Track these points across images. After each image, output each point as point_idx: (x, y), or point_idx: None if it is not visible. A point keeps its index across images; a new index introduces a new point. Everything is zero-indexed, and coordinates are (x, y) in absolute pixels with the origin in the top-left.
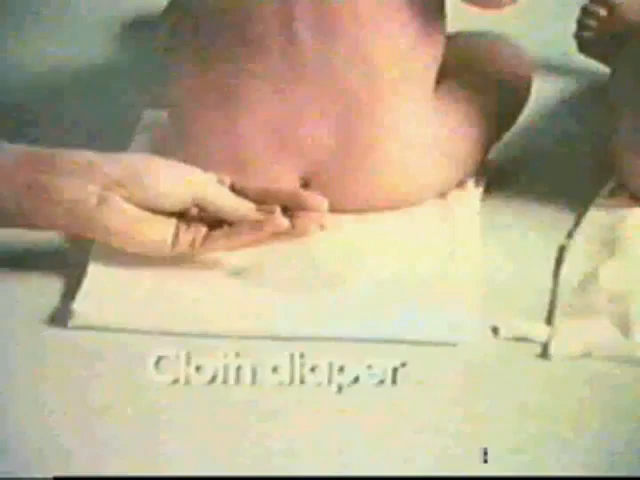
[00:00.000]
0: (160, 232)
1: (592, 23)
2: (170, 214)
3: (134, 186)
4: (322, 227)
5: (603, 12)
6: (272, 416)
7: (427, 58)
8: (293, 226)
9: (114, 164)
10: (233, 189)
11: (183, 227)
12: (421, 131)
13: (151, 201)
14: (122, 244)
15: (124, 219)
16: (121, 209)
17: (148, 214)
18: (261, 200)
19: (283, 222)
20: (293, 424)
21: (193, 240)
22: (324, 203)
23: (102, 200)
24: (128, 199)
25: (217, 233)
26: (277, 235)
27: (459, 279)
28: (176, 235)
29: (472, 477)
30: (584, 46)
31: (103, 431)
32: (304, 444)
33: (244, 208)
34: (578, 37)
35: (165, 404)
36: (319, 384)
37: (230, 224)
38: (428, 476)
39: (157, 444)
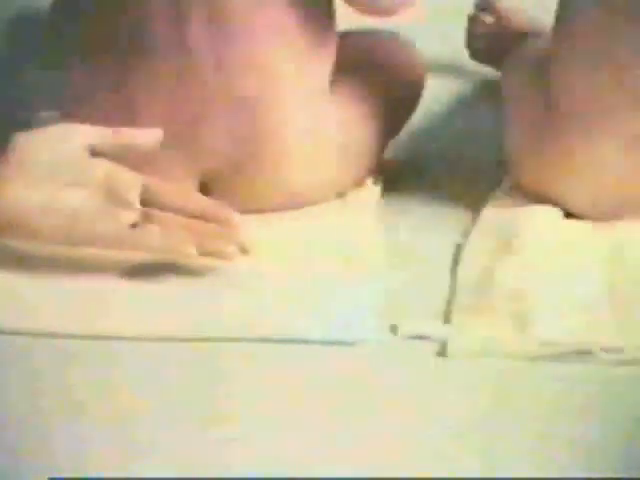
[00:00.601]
0: (57, 217)
1: (481, 31)
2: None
3: (21, 166)
4: (244, 251)
5: (490, 19)
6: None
7: (320, 58)
8: (205, 253)
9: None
10: (147, 193)
11: (87, 213)
12: (318, 130)
13: (47, 172)
14: (18, 236)
15: (11, 211)
16: (5, 200)
17: (45, 200)
18: (175, 209)
19: (192, 253)
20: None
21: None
22: (238, 221)
23: None
24: (25, 186)
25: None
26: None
27: (358, 278)
28: (76, 221)
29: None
30: (475, 53)
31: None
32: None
33: (149, 132)
34: (468, 44)
35: (65, 407)
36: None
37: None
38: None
39: (59, 448)
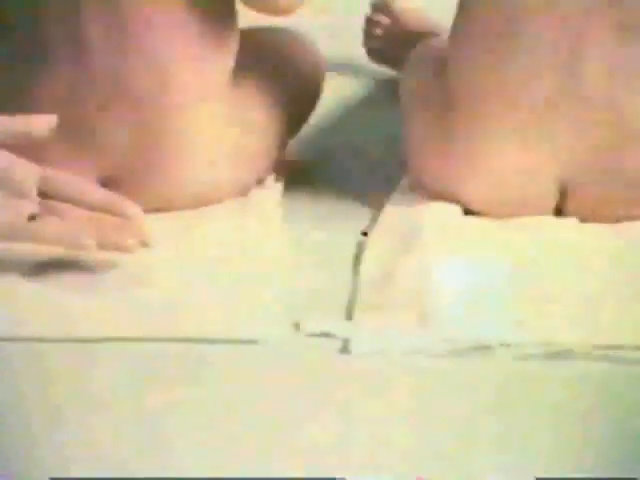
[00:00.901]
0: None
1: (377, 32)
2: None
3: None
4: (145, 244)
5: (386, 20)
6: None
7: (221, 57)
8: (105, 245)
9: None
10: (46, 184)
11: None
12: (218, 129)
13: None
14: None
15: None
16: None
17: None
18: (75, 201)
19: (91, 245)
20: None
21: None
22: (138, 213)
23: None
24: None
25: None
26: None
27: (260, 276)
28: None
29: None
30: (372, 53)
31: None
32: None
33: (44, 118)
34: (365, 44)
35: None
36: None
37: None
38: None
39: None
